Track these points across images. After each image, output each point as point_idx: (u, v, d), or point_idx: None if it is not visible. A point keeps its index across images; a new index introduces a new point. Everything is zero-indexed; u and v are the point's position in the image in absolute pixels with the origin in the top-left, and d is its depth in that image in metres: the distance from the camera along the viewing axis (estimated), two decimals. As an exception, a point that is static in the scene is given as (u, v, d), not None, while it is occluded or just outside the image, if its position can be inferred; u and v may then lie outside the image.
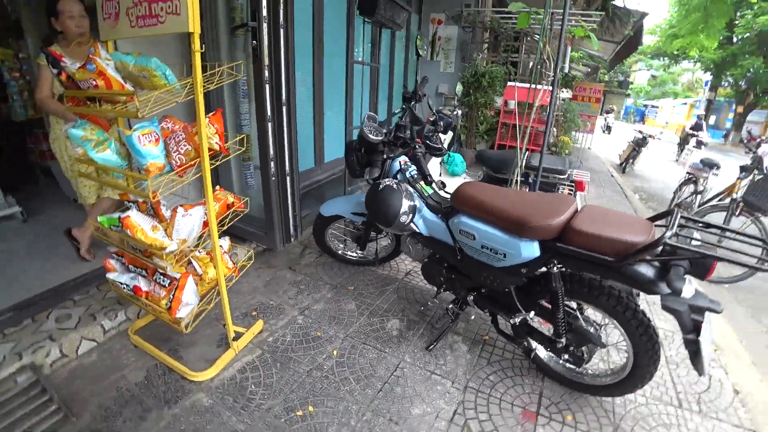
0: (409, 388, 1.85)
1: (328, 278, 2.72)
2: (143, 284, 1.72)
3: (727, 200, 3.70)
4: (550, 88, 5.69)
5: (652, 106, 31.64)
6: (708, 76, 21.55)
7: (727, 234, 1.44)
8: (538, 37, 6.84)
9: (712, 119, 22.30)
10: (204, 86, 1.44)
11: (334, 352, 2.02)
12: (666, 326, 2.48)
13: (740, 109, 18.81)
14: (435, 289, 2.21)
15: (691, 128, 9.60)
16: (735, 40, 17.85)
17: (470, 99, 6.03)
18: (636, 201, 6.43)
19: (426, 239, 2.09)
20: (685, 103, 26.99)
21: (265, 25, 2.14)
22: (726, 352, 2.41)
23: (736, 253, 1.26)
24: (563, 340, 1.69)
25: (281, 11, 2.16)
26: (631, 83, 33.39)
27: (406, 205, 1.96)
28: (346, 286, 2.64)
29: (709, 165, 4.30)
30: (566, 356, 1.74)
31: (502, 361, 2.09)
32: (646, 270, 1.37)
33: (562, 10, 2.60)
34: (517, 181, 3.09)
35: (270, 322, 2.21)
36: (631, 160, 8.98)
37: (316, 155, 3.71)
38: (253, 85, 2.32)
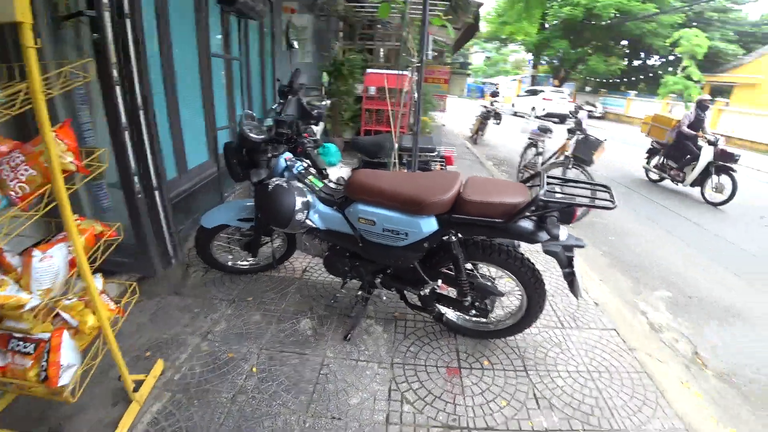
0: (340, 381, 1.87)
1: (222, 294, 2.51)
2: (-6, 359, 1.32)
3: (562, 157, 4.63)
4: (409, 73, 6.14)
5: (490, 83, 37.02)
6: (530, 56, 26.27)
7: (580, 185, 1.81)
8: (390, 25, 7.30)
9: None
10: (45, 92, 1.14)
11: (253, 369, 1.90)
12: (539, 267, 3.04)
13: (557, 83, 23.44)
14: (340, 280, 2.24)
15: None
16: (546, 26, 22.04)
17: (333, 88, 6.11)
18: (490, 166, 7.51)
19: (324, 233, 2.10)
20: (515, 79, 32.38)
21: (107, 14, 1.76)
22: (582, 276, 3.08)
23: (589, 198, 1.61)
24: (468, 298, 1.92)
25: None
26: (470, 64, 38.48)
27: (299, 202, 1.93)
28: (245, 298, 2.48)
29: (544, 130, 5.28)
30: (473, 312, 1.99)
31: (417, 331, 2.26)
32: (528, 224, 1.66)
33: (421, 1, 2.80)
34: (395, 163, 3.30)
35: (171, 359, 1.94)
36: (480, 132, 10.37)
37: (177, 163, 3.29)
38: (100, 88, 1.92)
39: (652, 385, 2.04)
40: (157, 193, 2.34)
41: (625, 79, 21.11)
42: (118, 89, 1.89)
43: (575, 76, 22.95)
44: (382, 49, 7.13)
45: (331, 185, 2.18)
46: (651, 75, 19.20)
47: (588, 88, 23.23)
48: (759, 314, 3.09)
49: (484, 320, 2.13)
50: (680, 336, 2.74)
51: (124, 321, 1.64)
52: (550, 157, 5.25)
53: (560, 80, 23.25)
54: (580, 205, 1.60)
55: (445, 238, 1.78)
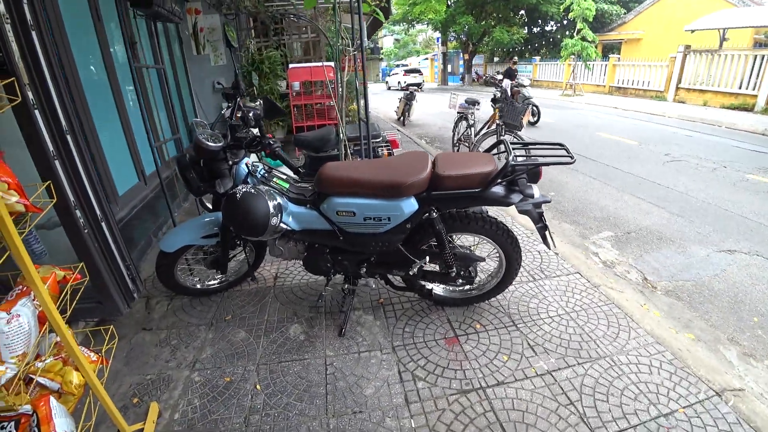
0: (350, 376, 1.87)
1: (196, 319, 2.36)
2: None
3: (494, 126, 4.92)
4: (330, 64, 6.09)
5: (403, 65, 37.91)
6: (438, 34, 27.20)
7: (537, 146, 1.96)
8: (304, 17, 7.10)
9: (449, 68, 28.47)
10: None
11: (257, 387, 1.84)
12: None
13: (467, 57, 24.57)
14: (316, 279, 2.21)
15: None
16: (450, 3, 22.92)
17: (255, 88, 5.86)
18: (425, 144, 7.78)
19: (300, 233, 2.06)
20: (427, 58, 33.44)
21: (8, 27, 1.50)
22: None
23: (550, 157, 1.76)
24: (454, 269, 2.01)
25: (26, 6, 1.55)
26: (381, 49, 38.99)
27: (271, 206, 1.86)
28: (223, 318, 2.36)
29: (472, 103, 5.56)
30: (460, 281, 2.09)
31: (406, 312, 2.33)
32: (500, 190, 1.77)
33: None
34: (347, 154, 3.29)
35: (163, 399, 1.79)
36: (406, 113, 10.63)
37: (105, 190, 2.96)
38: (15, 114, 1.66)
39: (621, 312, 2.31)
40: (104, 224, 2.12)
41: (529, 47, 22.82)
42: (38, 114, 1.65)
43: (482, 48, 24.26)
44: (296, 43, 6.93)
45: (299, 184, 2.12)
46: (551, 40, 20.97)
47: (496, 59, 24.73)
48: (678, 234, 3.62)
49: (469, 287, 2.25)
50: (629, 267, 3.12)
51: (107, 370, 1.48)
52: (482, 128, 5.56)
53: (469, 54, 24.46)
54: (546, 164, 1.74)
55: (425, 215, 1.84)
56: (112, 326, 1.58)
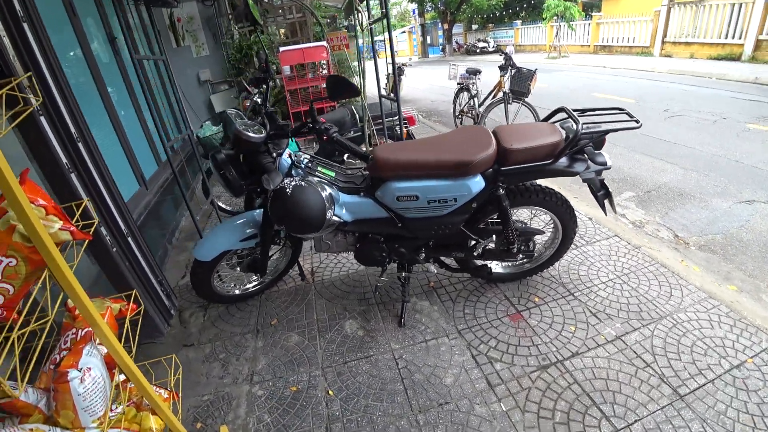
0: (424, 367, 1.88)
1: (239, 328, 2.32)
2: None
3: (500, 95, 4.90)
4: (323, 43, 5.90)
5: (380, 41, 37.13)
6: (414, 5, 26.66)
7: (596, 113, 1.93)
8: None
9: (428, 39, 28.05)
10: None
11: (330, 393, 1.81)
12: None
13: (446, 26, 24.22)
14: (357, 270, 2.16)
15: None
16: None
17: (244, 77, 5.66)
18: (422, 119, 7.72)
19: (352, 224, 1.99)
20: (404, 32, 32.80)
21: None
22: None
23: (616, 122, 1.76)
24: (515, 245, 2.02)
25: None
26: (355, 26, 38.12)
27: (326, 199, 1.80)
28: (268, 323, 2.32)
29: (473, 72, 5.50)
30: (521, 256, 2.10)
31: (461, 293, 2.34)
32: (565, 160, 1.76)
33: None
34: (373, 133, 3.23)
35: (230, 420, 1.74)
36: (396, 89, 10.44)
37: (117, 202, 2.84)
38: (9, 124, 1.53)
39: (668, 271, 2.39)
40: (131, 239, 2.04)
41: (510, 11, 22.53)
42: (44, 121, 1.51)
43: (461, 17, 23.94)
44: (282, 26, 6.68)
45: (349, 171, 2.05)
46: (531, 2, 20.73)
47: (475, 26, 24.46)
48: (697, 189, 3.72)
49: (526, 262, 2.27)
50: (658, 225, 3.20)
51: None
52: (486, 97, 5.53)
53: (448, 23, 24.12)
54: (613, 131, 1.74)
55: (492, 192, 1.83)
56: (174, 355, 1.52)
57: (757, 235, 2.95)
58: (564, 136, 1.75)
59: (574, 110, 1.82)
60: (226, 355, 2.13)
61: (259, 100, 2.02)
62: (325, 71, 5.96)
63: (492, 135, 1.81)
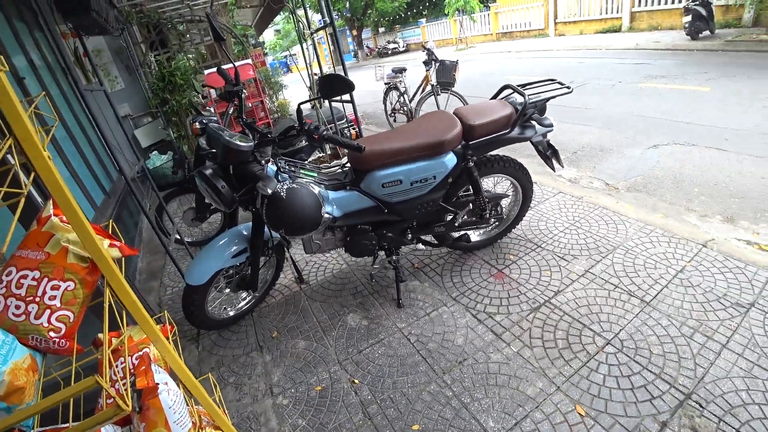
0: (434, 336, 2.07)
1: (240, 350, 2.33)
2: None
3: (429, 88, 5.28)
4: (248, 61, 5.91)
5: (291, 55, 36.93)
6: (320, 16, 26.97)
7: (534, 85, 2.25)
8: (212, 18, 6.68)
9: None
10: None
11: (355, 381, 1.92)
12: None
13: (355, 32, 24.82)
14: (345, 266, 2.28)
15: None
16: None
17: (171, 105, 5.49)
18: (365, 124, 7.97)
19: (342, 219, 2.11)
20: (312, 45, 33.04)
21: None
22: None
23: (551, 90, 2.10)
24: (488, 210, 2.30)
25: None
26: (263, 43, 37.56)
27: (319, 197, 1.91)
28: (269, 337, 2.36)
29: (399, 71, 5.85)
30: (492, 221, 2.39)
31: (445, 266, 2.59)
32: (519, 128, 2.07)
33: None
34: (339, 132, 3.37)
35: None
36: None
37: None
38: None
39: (609, 212, 2.84)
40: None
41: (413, 10, 23.76)
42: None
43: (367, 21, 24.78)
44: (201, 47, 6.53)
45: (332, 169, 2.18)
46: (433, 0, 22.09)
47: (382, 29, 25.45)
48: (613, 143, 4.37)
49: (496, 226, 2.57)
50: (591, 178, 3.72)
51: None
52: (416, 92, 5.90)
53: (357, 29, 24.82)
54: (553, 96, 2.08)
55: (464, 165, 2.08)
56: (209, 374, 1.54)
57: (667, 171, 3.56)
58: (514, 109, 2.06)
59: (519, 85, 2.15)
60: (236, 377, 2.13)
61: (233, 113, 2.08)
62: (253, 88, 5.98)
63: (455, 116, 2.07)
